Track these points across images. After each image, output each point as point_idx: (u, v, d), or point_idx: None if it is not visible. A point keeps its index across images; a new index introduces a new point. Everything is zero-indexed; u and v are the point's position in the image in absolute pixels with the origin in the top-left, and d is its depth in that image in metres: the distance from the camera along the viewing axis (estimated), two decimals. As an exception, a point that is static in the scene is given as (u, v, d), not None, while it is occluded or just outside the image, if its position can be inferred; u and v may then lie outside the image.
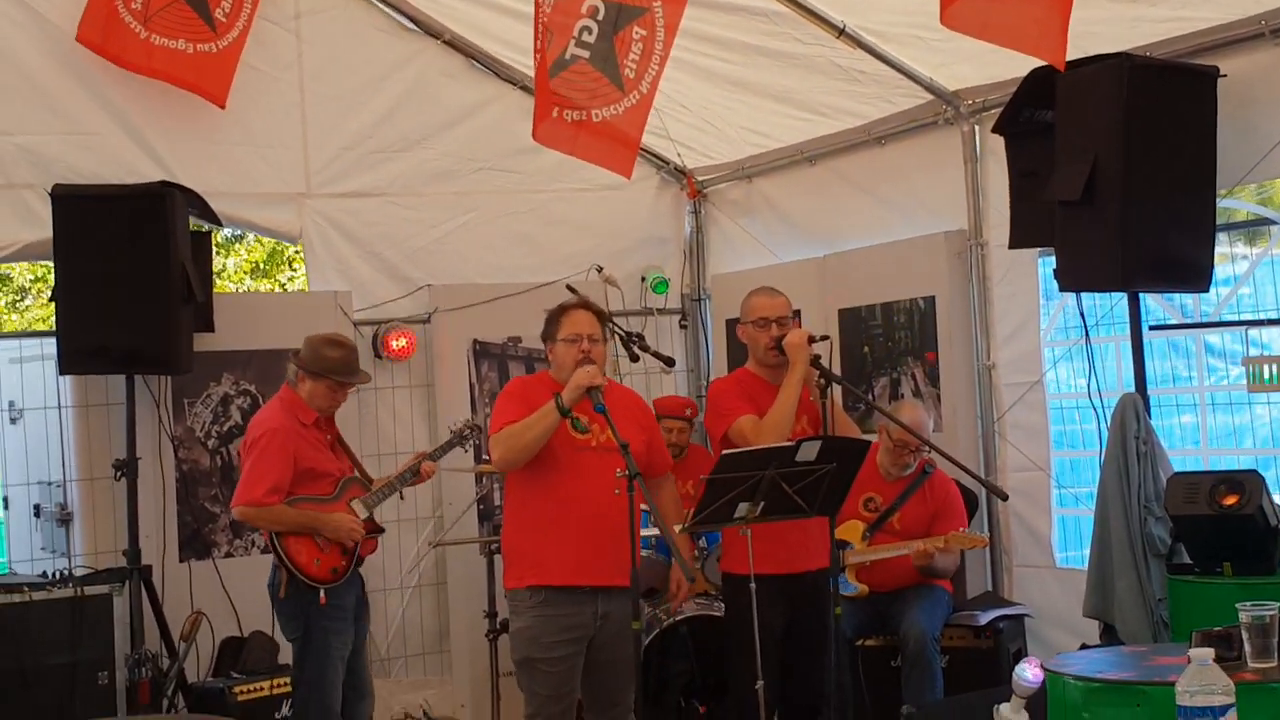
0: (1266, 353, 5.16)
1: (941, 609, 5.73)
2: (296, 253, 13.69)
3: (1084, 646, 5.23)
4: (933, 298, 6.48)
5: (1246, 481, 4.69)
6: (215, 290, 6.66)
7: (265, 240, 14.20)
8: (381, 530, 5.30)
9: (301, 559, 5.11)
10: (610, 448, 4.50)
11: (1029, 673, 4.08)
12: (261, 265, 14.51)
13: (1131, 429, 5.12)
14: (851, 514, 5.82)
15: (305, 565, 5.11)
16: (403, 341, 6.97)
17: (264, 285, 14.14)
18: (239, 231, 13.49)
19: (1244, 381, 5.14)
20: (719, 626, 5.63)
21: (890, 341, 6.70)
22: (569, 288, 5.97)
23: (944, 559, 5.70)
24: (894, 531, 5.84)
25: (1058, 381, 6.18)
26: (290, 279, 14.43)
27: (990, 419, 6.32)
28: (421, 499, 6.89)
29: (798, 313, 5.13)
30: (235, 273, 14.26)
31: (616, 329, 5.64)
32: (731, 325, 7.36)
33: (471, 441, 5.81)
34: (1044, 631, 6.01)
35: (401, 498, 5.68)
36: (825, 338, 4.96)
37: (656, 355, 6.02)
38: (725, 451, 4.56)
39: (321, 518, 5.14)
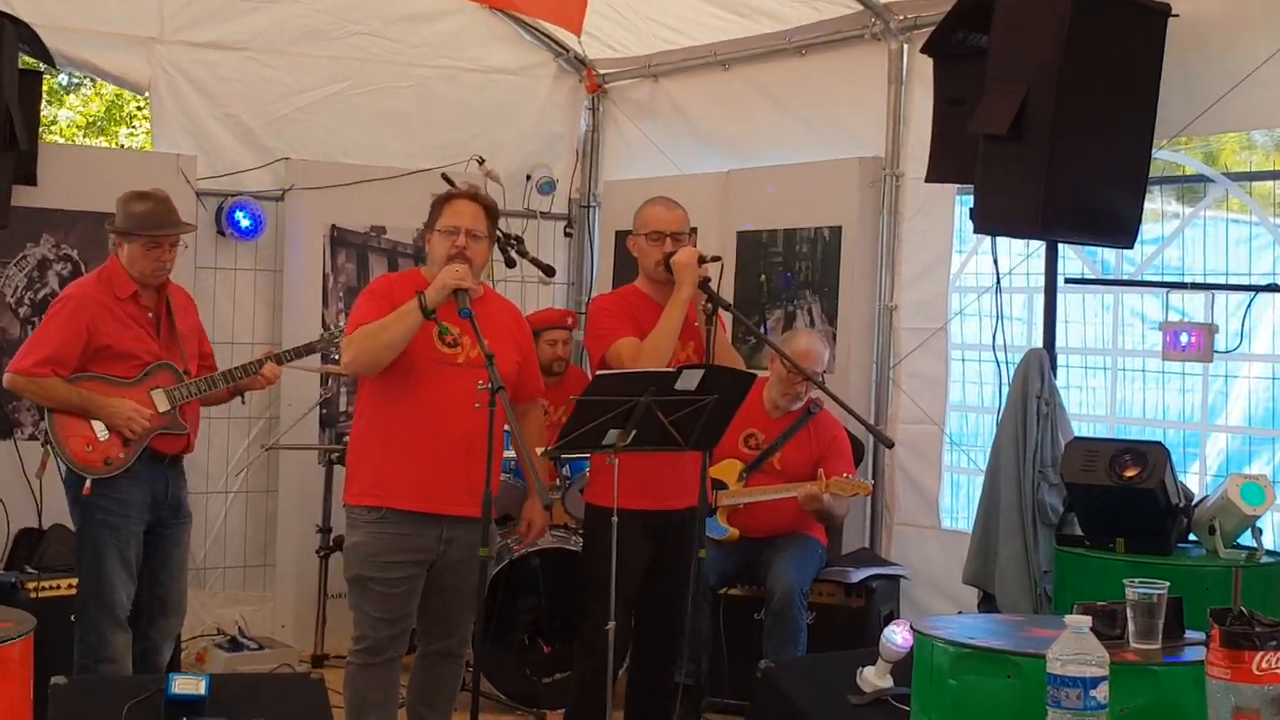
0: (1186, 319, 5.24)
1: (813, 562, 5.80)
2: (139, 109, 13.44)
3: (960, 614, 5.29)
4: (839, 228, 6.54)
5: (1150, 454, 4.77)
6: (42, 141, 6.48)
7: (103, 93, 13.83)
8: (183, 430, 5.17)
9: (72, 443, 5.04)
10: (479, 365, 4.46)
11: (898, 636, 4.26)
12: (97, 122, 14.12)
13: (1034, 387, 5.20)
14: (730, 451, 5.87)
15: (74, 450, 5.04)
16: (250, 219, 6.89)
17: (99, 143, 13.75)
18: (75, 80, 13.18)
19: (1159, 349, 5.23)
20: (574, 562, 5.67)
21: (790, 271, 6.75)
22: (445, 177, 5.93)
23: (835, 504, 5.78)
24: (774, 472, 5.90)
25: (962, 331, 6.28)
26: (130, 136, 14.06)
27: (886, 364, 6.42)
28: (257, 398, 6.82)
29: (694, 231, 5.07)
30: (67, 127, 13.85)
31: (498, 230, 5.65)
32: (622, 237, 7.28)
33: (336, 351, 5.69)
34: (920, 595, 6.14)
35: (243, 401, 5.62)
36: (717, 258, 4.93)
37: (536, 263, 6.19)
38: (600, 372, 4.56)
39: (97, 399, 5.04)
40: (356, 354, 4.56)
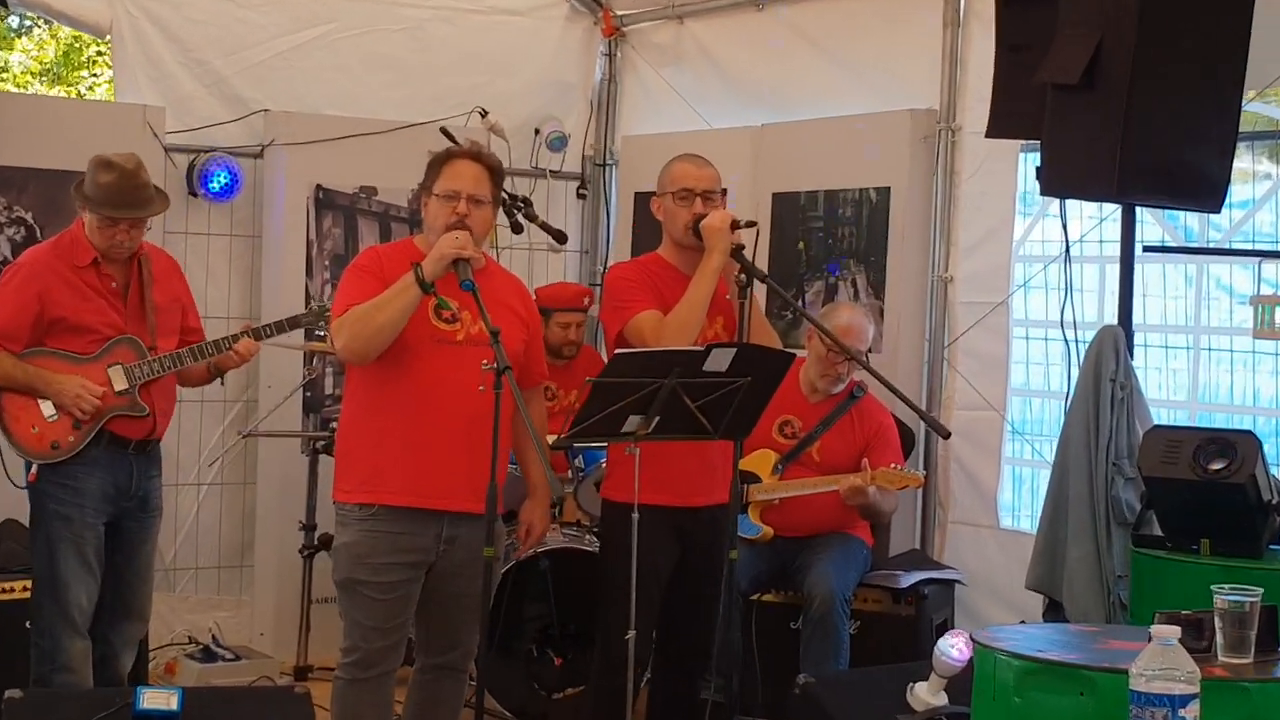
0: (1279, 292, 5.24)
1: (856, 565, 5.81)
2: (100, 54, 13.43)
3: (1024, 624, 5.31)
4: (888, 190, 6.54)
5: (1240, 444, 4.74)
6: (-8, 88, 6.50)
7: (60, 36, 13.83)
8: (142, 412, 5.17)
9: (18, 424, 5.07)
10: (481, 342, 4.47)
11: (955, 648, 4.24)
12: (53, 68, 14.13)
13: (1108, 368, 5.19)
14: (763, 440, 5.86)
15: (20, 432, 5.07)
16: (225, 178, 6.87)
17: (56, 93, 13.77)
18: (28, 22, 13.18)
19: (1250, 325, 5.21)
20: (588, 564, 5.70)
21: (832, 239, 6.73)
22: (444, 132, 5.90)
23: (883, 499, 5.77)
24: (812, 464, 5.90)
25: (1026, 306, 6.28)
26: (91, 87, 14.07)
27: (940, 343, 6.44)
28: (233, 377, 6.69)
29: (724, 193, 5.08)
30: (20, 74, 13.88)
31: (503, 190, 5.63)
32: (643, 199, 7.25)
33: (323, 329, 5.75)
34: (977, 603, 6.18)
35: (222, 382, 5.63)
36: (752, 223, 4.92)
37: (546, 228, 6.15)
38: (619, 351, 4.55)
39: (45, 376, 5.06)
40: (349, 340, 4.55)
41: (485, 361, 4.34)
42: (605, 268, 7.82)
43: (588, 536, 5.94)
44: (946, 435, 5.18)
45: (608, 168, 8.03)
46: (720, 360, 4.40)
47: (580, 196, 8.06)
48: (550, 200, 7.65)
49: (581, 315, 6.60)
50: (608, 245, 8.00)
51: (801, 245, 6.86)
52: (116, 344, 5.15)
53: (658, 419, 4.42)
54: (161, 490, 5.39)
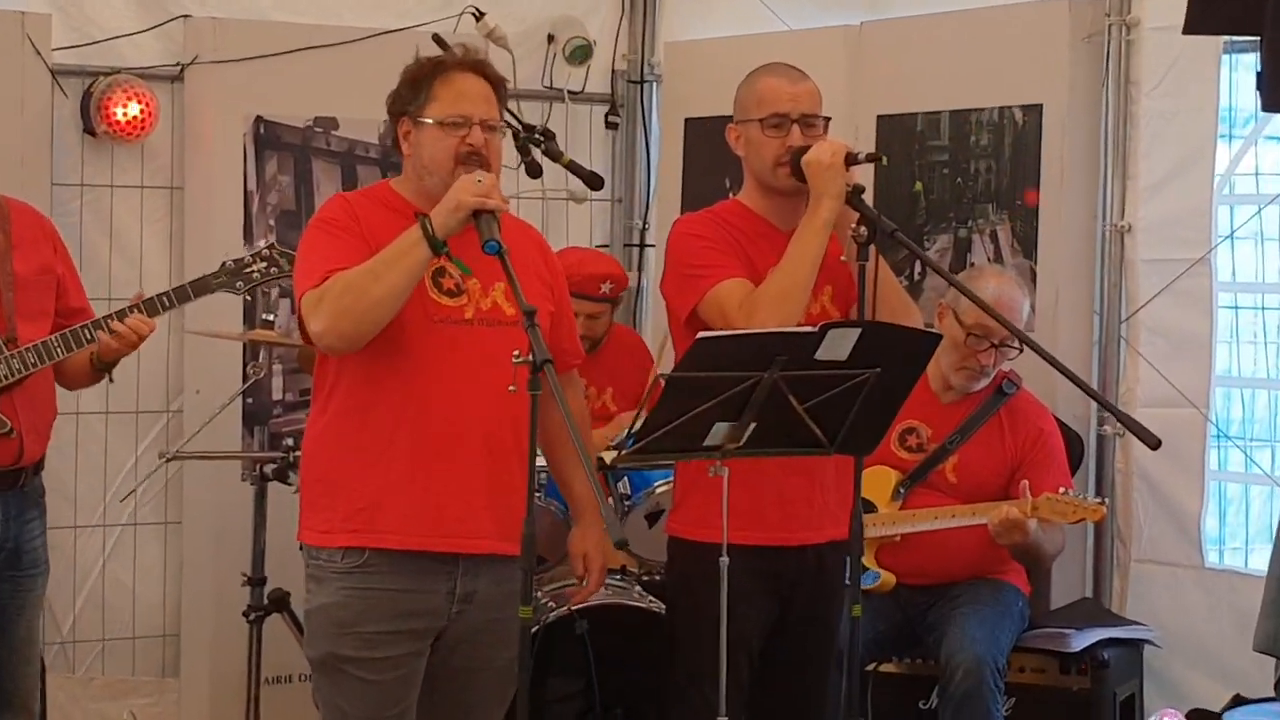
0: None
1: (1010, 623, 5.80)
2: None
3: (1239, 700, 5.36)
4: (1038, 108, 6.51)
5: None
6: None
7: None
8: (4, 429, 5.14)
9: None
10: (496, 320, 4.53)
11: (1165, 738, 4.23)
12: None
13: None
14: (879, 455, 5.68)
15: None
16: (135, 108, 6.82)
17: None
18: None
19: None
20: (640, 625, 5.70)
21: (961, 177, 6.68)
22: (438, 39, 5.90)
23: (1046, 534, 5.72)
24: (946, 487, 5.91)
25: (1234, 265, 6.27)
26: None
27: (1115, 316, 6.43)
28: (149, 382, 6.89)
29: (827, 120, 5.04)
30: None
31: (513, 118, 5.63)
32: (695, 127, 7.43)
33: (254, 282, 5.60)
34: (1175, 669, 6.18)
35: (110, 379, 5.52)
36: (875, 157, 4.92)
37: (575, 169, 6.21)
38: (702, 334, 4.42)
39: None
40: (334, 319, 4.49)
41: (517, 353, 4.27)
42: (644, 223, 7.96)
43: (636, 588, 5.96)
44: (1155, 444, 5.09)
45: (646, 86, 7.98)
46: (839, 345, 4.35)
47: (610, 126, 8.01)
48: (571, 131, 7.62)
49: (601, 306, 6.64)
50: (648, 192, 7.96)
51: (919, 186, 6.84)
52: None
53: (753, 427, 4.37)
54: (44, 538, 5.37)
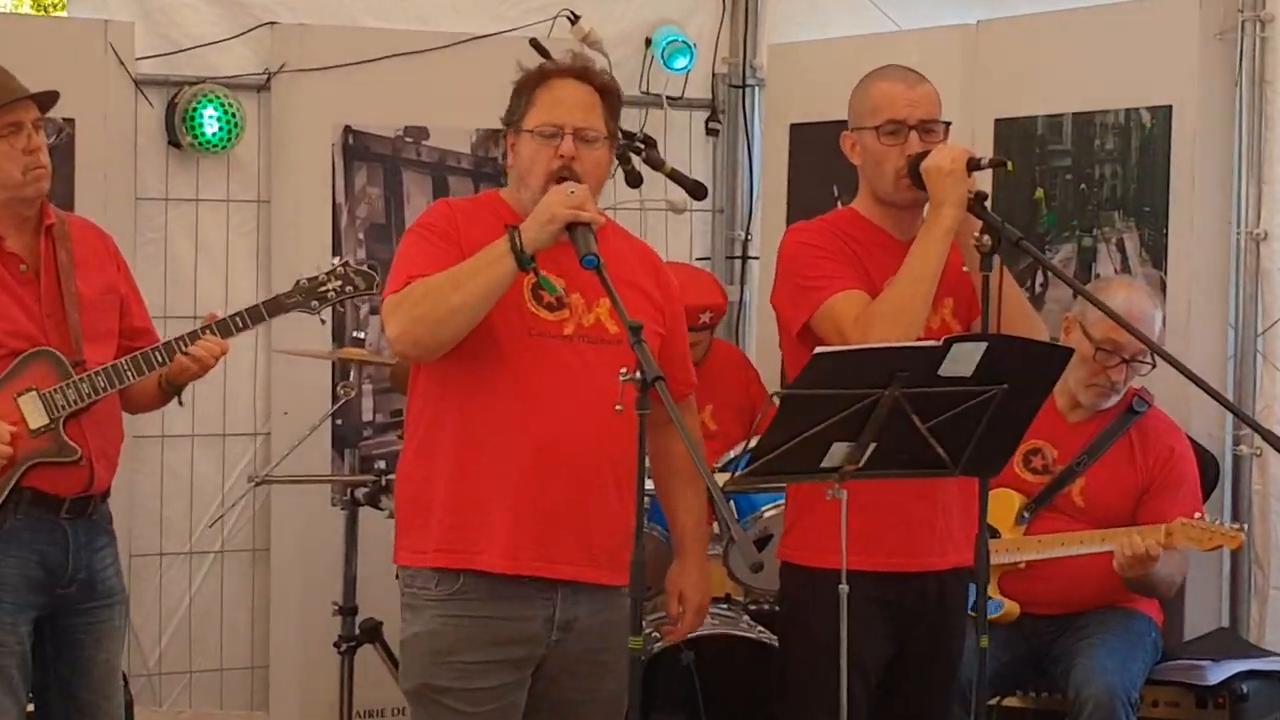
0: None
1: (1143, 654, 5.73)
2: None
3: None
4: (1167, 109, 6.43)
5: None
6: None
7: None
8: (73, 456, 5.06)
9: None
10: (599, 338, 4.53)
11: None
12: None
13: None
14: (1002, 477, 5.56)
15: None
16: (220, 120, 6.82)
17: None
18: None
19: None
20: (749, 657, 5.69)
21: (1086, 183, 6.61)
22: (535, 45, 5.94)
23: (1169, 564, 5.62)
24: (1073, 511, 5.83)
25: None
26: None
27: (1251, 329, 6.35)
28: (236, 404, 6.93)
29: (947, 125, 4.90)
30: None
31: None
32: (799, 132, 7.39)
33: (329, 301, 5.50)
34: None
35: (180, 402, 5.48)
36: (1000, 162, 4.86)
37: (675, 177, 6.14)
38: (820, 350, 4.37)
39: None
40: (408, 323, 4.48)
41: (624, 370, 4.23)
42: (747, 233, 7.93)
43: (744, 619, 5.91)
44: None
45: (748, 90, 7.95)
46: (964, 360, 4.30)
47: (710, 132, 7.98)
48: (669, 137, 7.55)
49: (700, 335, 6.53)
50: (750, 201, 7.94)
51: (1039, 193, 6.77)
52: (28, 361, 5.07)
53: (873, 447, 4.34)
54: (117, 564, 5.32)
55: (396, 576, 4.75)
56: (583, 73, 4.70)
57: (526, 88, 4.68)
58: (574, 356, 4.57)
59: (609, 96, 4.71)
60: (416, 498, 4.68)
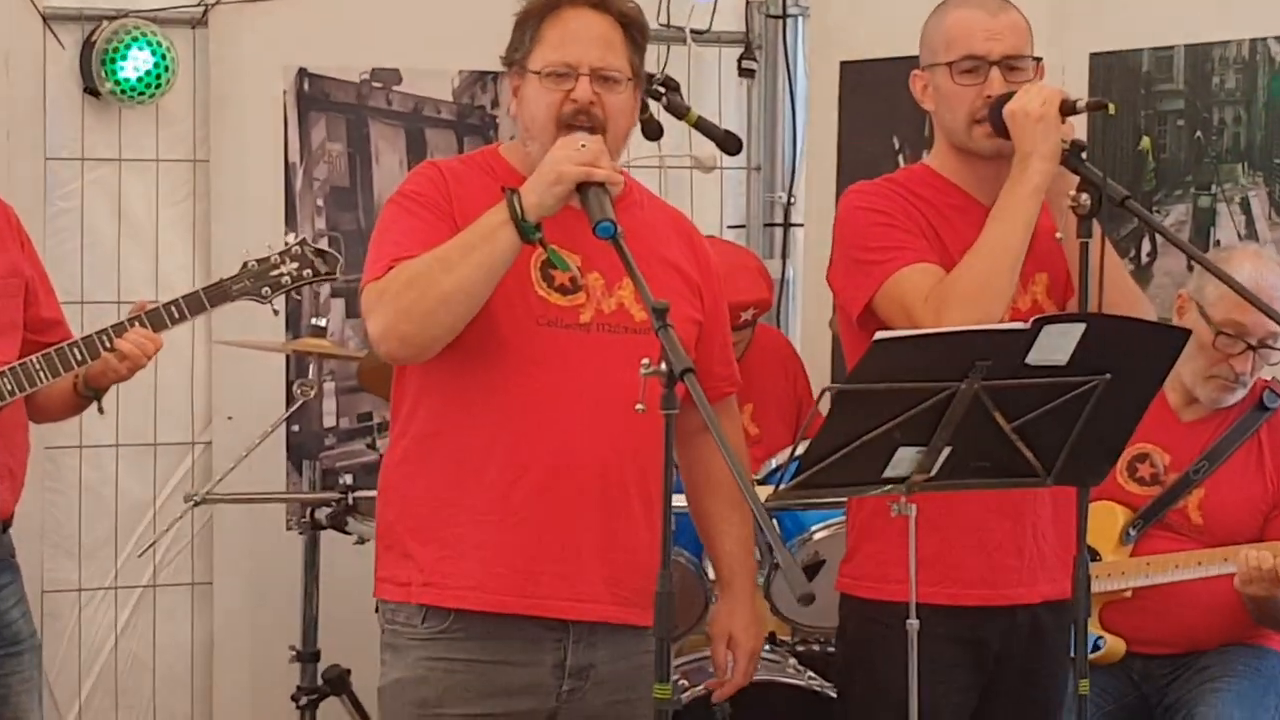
0: None
1: (1274, 699, 5.58)
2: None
3: None
4: (1300, 44, 6.26)
5: None
6: None
7: None
8: None
9: None
10: (622, 326, 4.36)
11: None
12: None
13: None
14: (1103, 489, 5.42)
15: None
16: (149, 62, 6.61)
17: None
18: None
19: None
20: (798, 707, 5.57)
21: (1202, 130, 6.42)
22: None
23: None
24: (1189, 529, 5.64)
25: None
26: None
27: None
28: (169, 407, 6.78)
29: (1038, 61, 4.72)
30: None
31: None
32: (852, 72, 7.29)
33: (284, 287, 5.33)
34: None
35: (101, 409, 5.30)
36: (1100, 105, 4.63)
37: (702, 127, 6.19)
38: (881, 335, 4.17)
39: None
40: (393, 318, 4.28)
41: (646, 362, 3.96)
42: (789, 196, 7.71)
43: (790, 662, 5.78)
44: None
45: (790, 21, 7.75)
46: (1057, 345, 4.14)
47: (744, 74, 7.75)
48: (696, 80, 7.44)
49: (741, 333, 6.39)
50: (793, 156, 7.75)
51: (1145, 143, 6.55)
52: None
53: (947, 452, 4.16)
54: (24, 605, 5.22)
55: (376, 610, 4.51)
56: (601, 1, 4.55)
57: (531, 19, 4.49)
58: (593, 350, 4.40)
59: (632, 28, 4.50)
60: (400, 518, 4.50)
